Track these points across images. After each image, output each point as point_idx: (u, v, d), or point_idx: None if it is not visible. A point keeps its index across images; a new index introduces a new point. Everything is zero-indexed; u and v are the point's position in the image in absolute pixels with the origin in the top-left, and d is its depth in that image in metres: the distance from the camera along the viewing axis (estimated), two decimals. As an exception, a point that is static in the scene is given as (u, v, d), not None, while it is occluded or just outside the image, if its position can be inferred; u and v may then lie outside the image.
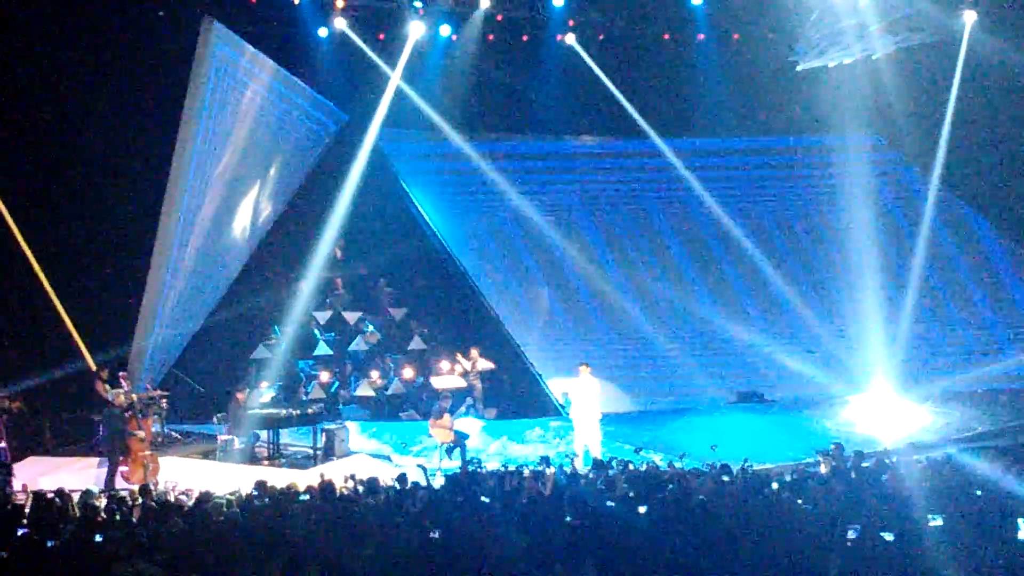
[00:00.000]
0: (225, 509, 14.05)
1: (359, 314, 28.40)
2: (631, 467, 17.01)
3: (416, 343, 27.91)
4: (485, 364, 25.37)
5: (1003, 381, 27.51)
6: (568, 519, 13.34)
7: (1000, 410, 25.43)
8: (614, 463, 17.46)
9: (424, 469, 17.08)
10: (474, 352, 25.50)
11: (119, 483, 18.79)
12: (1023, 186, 30.58)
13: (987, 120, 29.29)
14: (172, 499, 15.48)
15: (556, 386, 25.54)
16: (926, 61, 29.03)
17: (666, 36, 29.25)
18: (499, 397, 26.11)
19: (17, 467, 19.24)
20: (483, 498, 14.40)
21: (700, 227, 31.45)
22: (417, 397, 26.51)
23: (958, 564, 11.70)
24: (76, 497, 15.12)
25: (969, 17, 27.27)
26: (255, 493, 15.00)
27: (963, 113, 29.12)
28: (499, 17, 27.59)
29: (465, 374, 25.43)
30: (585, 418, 21.66)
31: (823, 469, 17.11)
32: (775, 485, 15.40)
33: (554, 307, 29.39)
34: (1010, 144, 29.96)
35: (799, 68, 29.66)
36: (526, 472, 16.38)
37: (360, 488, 15.71)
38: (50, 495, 14.83)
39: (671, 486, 15.05)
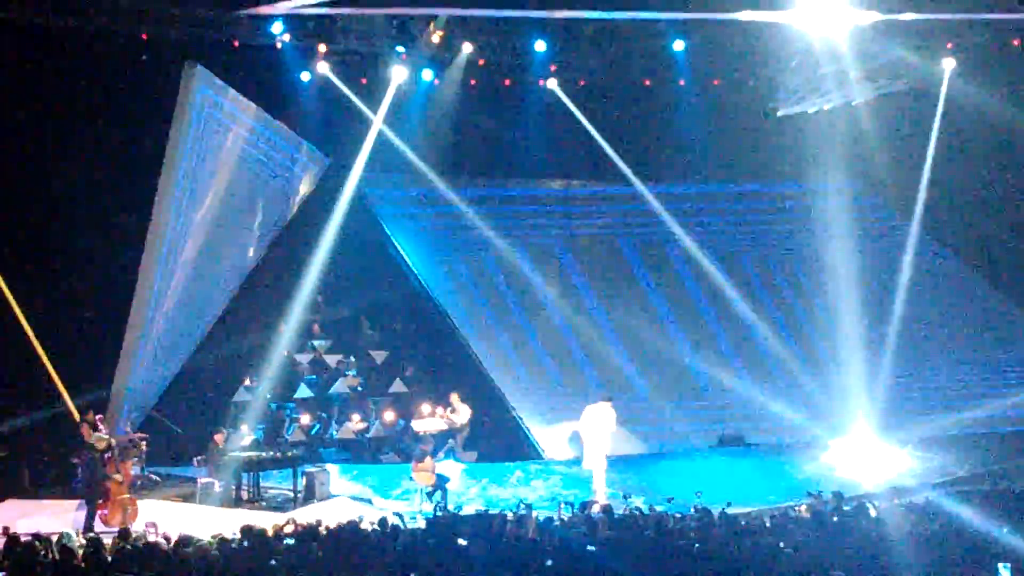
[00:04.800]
0: (205, 552, 13.99)
1: (340, 357, 28.42)
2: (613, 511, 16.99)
3: (397, 386, 27.89)
4: (464, 411, 25.28)
5: (983, 425, 27.53)
6: (549, 563, 13.31)
7: (980, 454, 25.44)
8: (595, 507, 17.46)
9: (401, 516, 17.04)
10: (454, 398, 25.43)
11: (98, 526, 18.68)
12: (1002, 232, 30.82)
13: (966, 166, 29.56)
14: (151, 542, 15.38)
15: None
16: (906, 108, 29.28)
17: (647, 82, 29.39)
18: (480, 440, 26.05)
19: (-5, 510, 19.19)
20: (462, 541, 14.36)
21: (680, 272, 31.50)
22: (398, 440, 26.46)
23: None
24: (54, 540, 15.03)
25: (948, 64, 27.50)
26: (236, 537, 14.93)
27: (942, 159, 29.34)
28: (481, 62, 27.68)
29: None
30: (597, 450, 22.03)
31: (804, 513, 17.11)
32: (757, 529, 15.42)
33: (535, 350, 29.34)
34: (989, 190, 30.24)
35: (779, 114, 29.85)
36: (509, 516, 16.35)
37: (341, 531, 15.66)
38: (27, 538, 14.73)
39: (649, 530, 15.05)
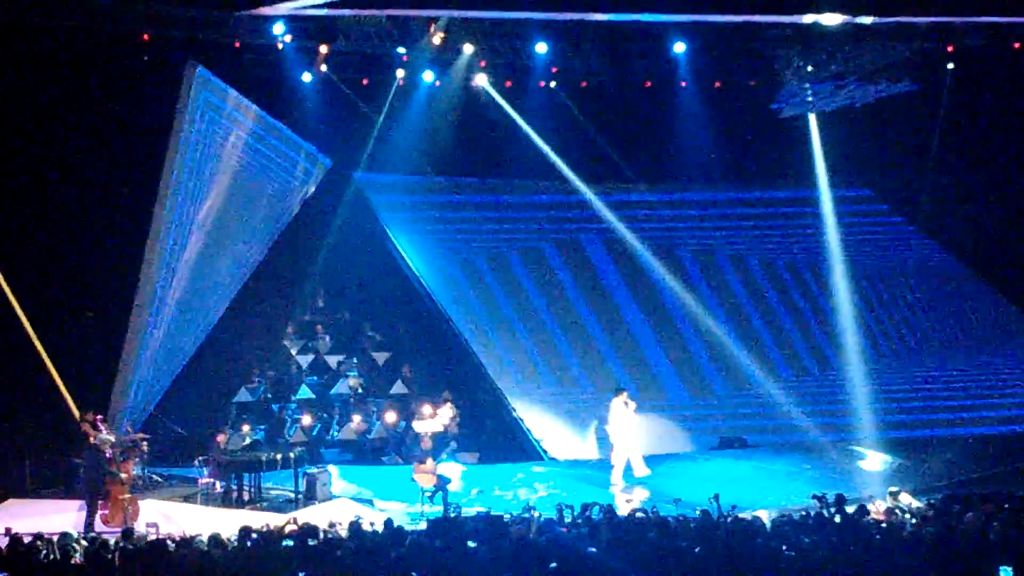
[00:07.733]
0: (206, 552, 13.97)
1: (341, 358, 28.43)
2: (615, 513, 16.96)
3: (398, 387, 27.89)
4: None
5: (985, 428, 27.52)
6: (552, 565, 13.28)
7: (981, 457, 25.41)
8: (596, 509, 17.41)
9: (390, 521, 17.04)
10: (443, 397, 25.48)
11: (99, 526, 18.68)
12: (1004, 234, 30.84)
13: (968, 168, 29.57)
14: (153, 542, 15.36)
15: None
16: (907, 110, 29.28)
17: (648, 84, 29.38)
18: (481, 441, 26.04)
19: (-4, 510, 19.19)
20: (469, 543, 14.34)
21: (679, 272, 31.41)
22: (400, 441, 26.45)
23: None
24: (55, 540, 15.01)
25: (950, 67, 27.53)
26: (237, 537, 14.91)
27: (944, 161, 29.39)
28: (482, 63, 27.70)
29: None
30: (624, 444, 22.66)
31: (806, 515, 17.06)
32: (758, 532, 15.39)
33: (535, 351, 29.32)
34: (991, 192, 30.26)
35: (781, 116, 29.84)
36: (510, 517, 16.32)
37: (343, 532, 15.65)
38: (28, 538, 14.71)
39: (651, 532, 15.01)
